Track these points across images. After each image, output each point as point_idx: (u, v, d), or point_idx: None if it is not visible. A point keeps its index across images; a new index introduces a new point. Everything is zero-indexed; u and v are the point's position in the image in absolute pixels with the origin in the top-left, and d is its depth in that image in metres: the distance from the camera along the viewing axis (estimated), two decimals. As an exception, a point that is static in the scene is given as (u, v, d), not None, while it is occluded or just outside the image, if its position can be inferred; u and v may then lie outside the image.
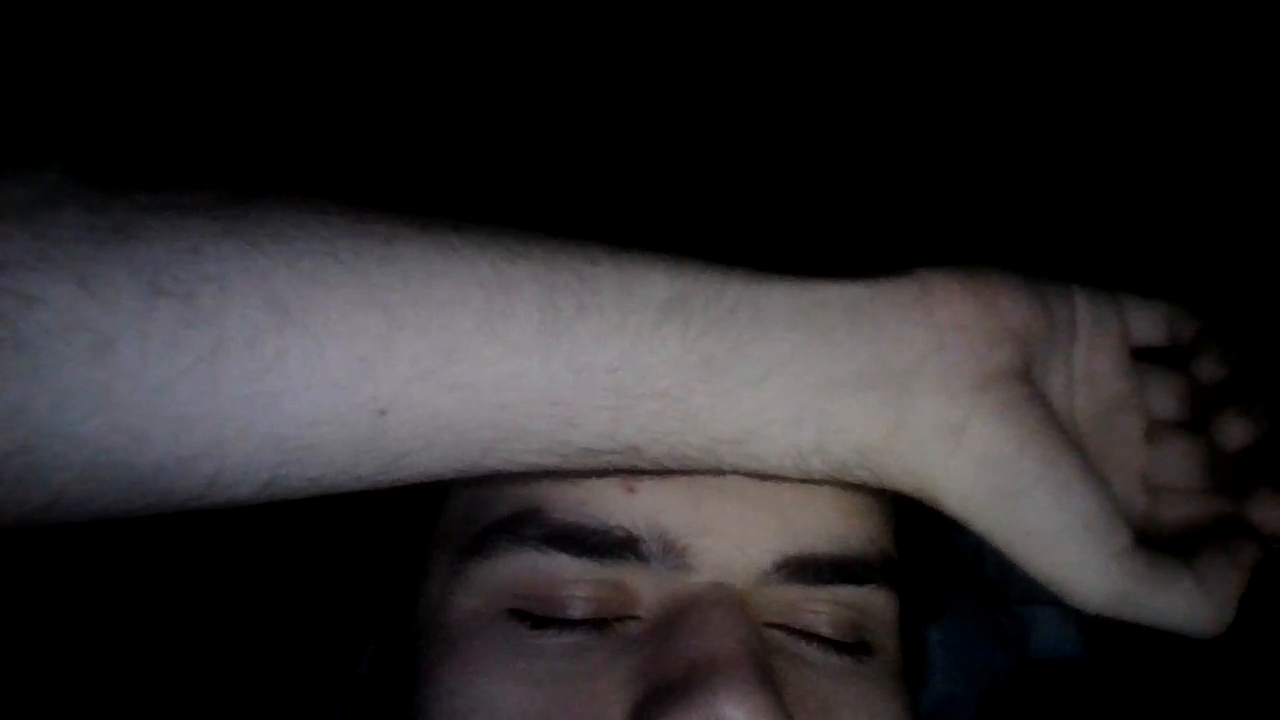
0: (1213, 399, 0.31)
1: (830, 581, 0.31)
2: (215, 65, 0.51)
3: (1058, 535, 0.27)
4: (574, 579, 0.30)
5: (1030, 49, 0.57)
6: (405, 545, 0.35)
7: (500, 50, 0.55)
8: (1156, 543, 0.29)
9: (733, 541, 0.30)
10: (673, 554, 0.30)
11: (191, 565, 0.49)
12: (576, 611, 0.30)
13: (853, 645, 0.32)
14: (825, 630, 0.31)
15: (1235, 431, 0.30)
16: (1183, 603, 0.27)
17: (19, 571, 0.44)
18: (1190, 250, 0.55)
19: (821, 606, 0.31)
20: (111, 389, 0.21)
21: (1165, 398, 0.32)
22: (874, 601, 0.32)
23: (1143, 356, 0.33)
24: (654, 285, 0.26)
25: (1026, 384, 0.29)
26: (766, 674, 0.28)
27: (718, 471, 0.28)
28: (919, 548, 0.36)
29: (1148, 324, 0.32)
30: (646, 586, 0.30)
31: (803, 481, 0.29)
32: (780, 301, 0.27)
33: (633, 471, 0.28)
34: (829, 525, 0.32)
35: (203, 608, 0.50)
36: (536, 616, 0.30)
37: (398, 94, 0.54)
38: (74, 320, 0.21)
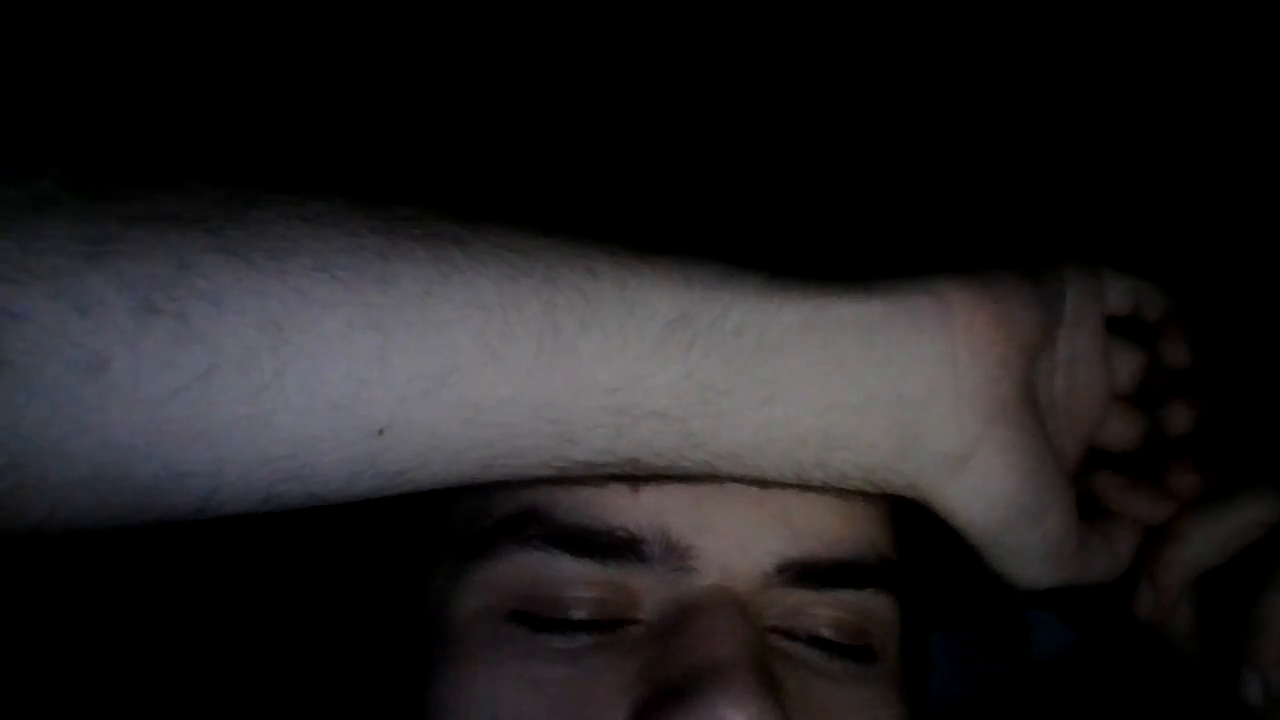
0: (1166, 381, 0.35)
1: (831, 585, 0.31)
2: (214, 64, 0.51)
3: (1030, 553, 0.30)
4: (576, 580, 0.30)
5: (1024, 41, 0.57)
6: (411, 546, 0.35)
7: (506, 49, 0.55)
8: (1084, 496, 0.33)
9: (735, 543, 0.30)
10: (675, 555, 0.30)
11: (194, 565, 0.48)
12: (578, 613, 0.30)
13: (854, 649, 0.32)
14: (826, 634, 0.31)
15: (1180, 420, 0.34)
16: (1099, 570, 0.32)
17: (20, 573, 0.44)
18: (1163, 229, 0.56)
19: (823, 610, 0.31)
20: (104, 407, 0.21)
21: (1123, 371, 0.35)
22: (875, 605, 0.32)
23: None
24: (658, 303, 0.26)
25: (1030, 408, 0.29)
26: (767, 678, 0.28)
27: (716, 479, 0.28)
28: (920, 552, 0.36)
29: (1119, 294, 0.34)
30: (648, 588, 0.30)
31: (802, 488, 0.29)
32: (789, 322, 0.27)
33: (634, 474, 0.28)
34: (830, 529, 0.32)
35: (205, 607, 0.49)
36: (538, 618, 0.30)
37: (400, 93, 0.54)
38: (63, 339, 0.20)
